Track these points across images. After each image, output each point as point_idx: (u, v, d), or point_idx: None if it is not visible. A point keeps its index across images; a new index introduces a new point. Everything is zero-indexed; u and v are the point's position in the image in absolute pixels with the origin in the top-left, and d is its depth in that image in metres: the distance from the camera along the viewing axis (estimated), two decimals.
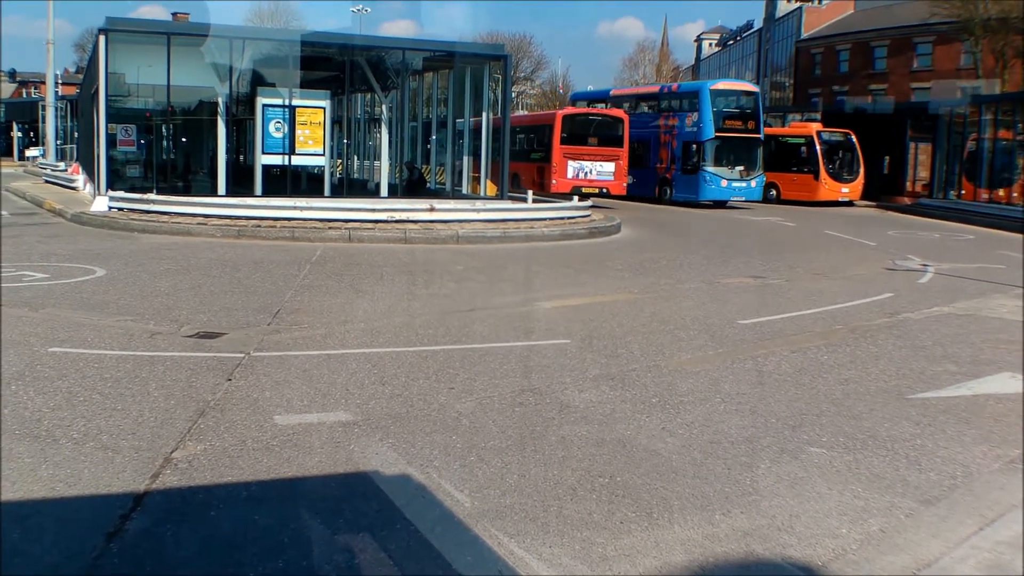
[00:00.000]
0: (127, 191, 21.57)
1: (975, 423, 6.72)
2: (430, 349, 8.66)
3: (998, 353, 9.18)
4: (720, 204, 32.98)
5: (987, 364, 8.67)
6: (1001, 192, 32.19)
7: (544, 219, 21.77)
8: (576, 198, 24.57)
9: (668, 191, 33.32)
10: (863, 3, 67.18)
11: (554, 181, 29.50)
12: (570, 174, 29.40)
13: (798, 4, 72.74)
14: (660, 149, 33.79)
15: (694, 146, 32.01)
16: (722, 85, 34.66)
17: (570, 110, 33.24)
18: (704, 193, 31.96)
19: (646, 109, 35.83)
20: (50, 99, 46.82)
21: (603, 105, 35.99)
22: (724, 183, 31.93)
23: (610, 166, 30.08)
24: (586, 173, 29.60)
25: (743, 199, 32.84)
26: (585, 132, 30.60)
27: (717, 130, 31.57)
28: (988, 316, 11.50)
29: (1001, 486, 5.45)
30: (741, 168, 32.32)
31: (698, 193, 32.00)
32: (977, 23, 45.00)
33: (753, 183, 32.61)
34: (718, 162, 31.87)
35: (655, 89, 38.59)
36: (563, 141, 29.87)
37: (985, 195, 32.53)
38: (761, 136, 32.69)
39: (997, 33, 44.44)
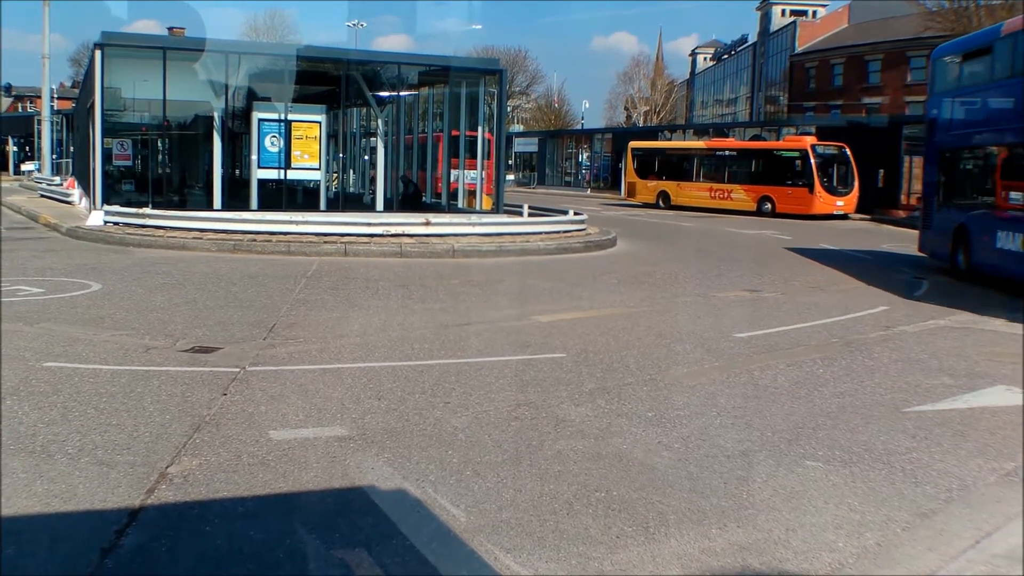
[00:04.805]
0: (122, 205, 21.58)
1: (971, 436, 6.73)
2: (426, 363, 8.66)
3: (993, 366, 9.19)
4: None
5: (982, 377, 8.69)
6: None
7: (540, 233, 21.80)
8: (572, 212, 24.71)
9: None
10: (857, 17, 67.54)
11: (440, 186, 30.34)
12: (451, 179, 30.89)
13: (792, 18, 73.27)
14: None
15: None
16: None
17: (454, 132, 32.98)
18: None
19: None
20: (46, 113, 46.85)
21: (987, 56, 16.05)
22: None
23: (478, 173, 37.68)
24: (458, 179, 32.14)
25: None
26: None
27: None
28: (983, 329, 11.52)
29: (997, 499, 5.45)
30: None
31: None
32: None
33: None
34: None
35: None
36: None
37: None
38: None
39: None
